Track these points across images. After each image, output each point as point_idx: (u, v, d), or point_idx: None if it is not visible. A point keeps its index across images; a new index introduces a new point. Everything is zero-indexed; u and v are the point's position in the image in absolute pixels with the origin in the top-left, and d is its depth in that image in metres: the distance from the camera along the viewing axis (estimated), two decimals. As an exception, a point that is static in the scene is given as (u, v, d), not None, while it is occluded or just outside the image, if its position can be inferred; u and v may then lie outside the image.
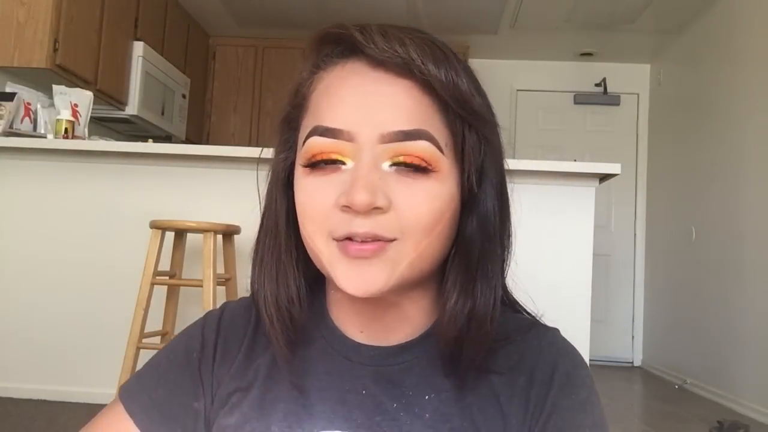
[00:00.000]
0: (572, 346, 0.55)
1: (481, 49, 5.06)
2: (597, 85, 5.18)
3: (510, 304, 0.59)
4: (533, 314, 0.59)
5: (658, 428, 2.93)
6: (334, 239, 0.48)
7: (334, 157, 0.48)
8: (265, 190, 0.56)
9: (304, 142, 0.49)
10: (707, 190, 3.92)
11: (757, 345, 3.22)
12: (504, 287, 0.57)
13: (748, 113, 3.48)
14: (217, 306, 0.62)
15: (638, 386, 4.30)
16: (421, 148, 0.47)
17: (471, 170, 0.50)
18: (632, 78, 5.18)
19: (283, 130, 0.55)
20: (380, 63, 0.48)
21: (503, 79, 5.28)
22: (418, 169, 0.47)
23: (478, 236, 0.51)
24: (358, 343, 0.55)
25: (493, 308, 0.51)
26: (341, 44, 0.51)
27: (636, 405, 3.76)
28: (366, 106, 0.47)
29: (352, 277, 0.48)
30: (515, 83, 5.30)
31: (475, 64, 5.16)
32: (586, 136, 5.22)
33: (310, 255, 0.51)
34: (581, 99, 5.22)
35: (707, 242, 3.87)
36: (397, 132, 0.47)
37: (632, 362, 4.97)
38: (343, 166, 0.48)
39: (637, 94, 5.20)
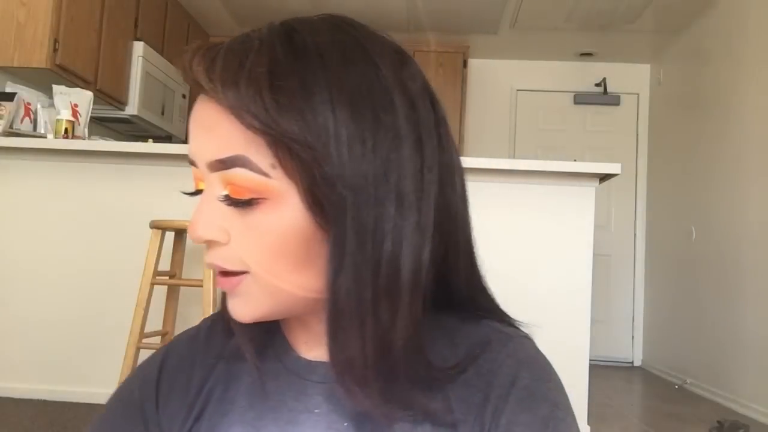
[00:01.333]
0: (539, 356, 0.49)
1: (481, 49, 5.06)
2: (597, 85, 5.18)
3: (491, 313, 0.53)
4: (517, 324, 0.53)
5: (658, 428, 2.93)
6: None
7: (198, 182, 0.48)
8: None
9: None
10: (707, 190, 3.92)
11: (757, 345, 3.22)
12: (483, 292, 0.53)
13: (748, 113, 3.48)
14: (218, 307, 0.61)
15: (638, 386, 4.30)
16: (239, 175, 0.44)
17: (302, 194, 0.44)
18: (632, 78, 5.19)
19: None
20: (199, 88, 0.46)
21: (503, 79, 5.28)
22: (241, 201, 0.44)
23: (332, 268, 0.44)
24: (310, 360, 0.53)
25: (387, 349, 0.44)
26: None
27: (636, 405, 3.76)
28: (197, 135, 0.46)
29: (229, 307, 0.48)
30: (515, 83, 5.30)
31: (475, 64, 5.17)
32: (586, 136, 5.22)
33: None
34: (581, 99, 5.22)
35: (707, 242, 3.87)
36: (216, 161, 0.45)
37: (632, 362, 4.97)
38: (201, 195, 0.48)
39: (637, 94, 5.20)
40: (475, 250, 0.52)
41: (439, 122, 0.49)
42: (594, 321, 2.58)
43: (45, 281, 2.71)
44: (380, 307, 0.44)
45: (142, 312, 2.17)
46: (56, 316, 2.69)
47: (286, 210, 0.44)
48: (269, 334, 0.55)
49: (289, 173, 0.44)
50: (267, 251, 0.45)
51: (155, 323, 2.38)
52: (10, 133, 2.79)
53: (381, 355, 0.44)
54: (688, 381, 3.91)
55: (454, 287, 0.51)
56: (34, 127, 2.99)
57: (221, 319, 0.56)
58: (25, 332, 2.69)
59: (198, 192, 0.48)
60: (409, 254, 0.44)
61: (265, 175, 0.43)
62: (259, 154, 0.43)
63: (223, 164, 0.44)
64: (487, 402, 0.47)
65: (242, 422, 0.51)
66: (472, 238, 0.52)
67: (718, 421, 2.76)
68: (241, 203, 0.44)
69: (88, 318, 2.68)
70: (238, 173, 0.44)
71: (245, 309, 0.47)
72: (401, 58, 0.48)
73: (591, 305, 2.54)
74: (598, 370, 4.40)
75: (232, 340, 0.55)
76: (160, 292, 2.39)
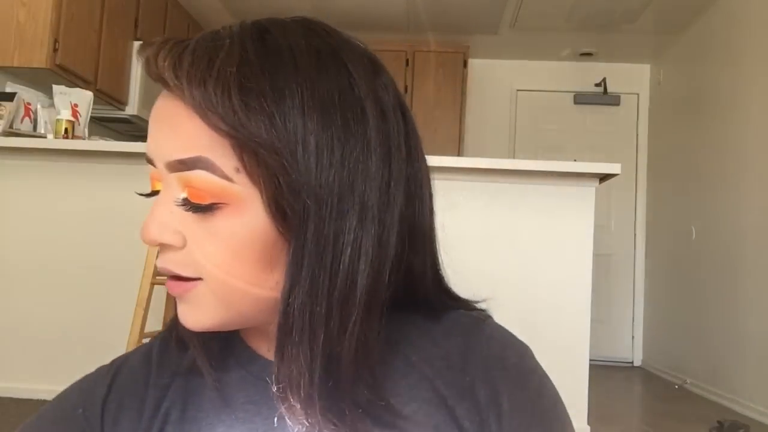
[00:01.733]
0: (510, 333, 0.51)
1: (481, 49, 5.06)
2: (597, 85, 5.19)
3: (455, 302, 0.54)
4: (478, 309, 0.54)
5: (658, 428, 2.93)
6: None
7: (155, 182, 0.46)
8: None
9: None
10: (707, 190, 3.92)
11: (757, 345, 3.22)
12: (447, 292, 0.53)
13: (748, 113, 3.48)
14: (168, 323, 0.57)
15: (638, 386, 4.30)
16: (199, 178, 0.42)
17: (265, 201, 0.42)
18: (632, 78, 5.19)
19: None
20: (164, 84, 0.43)
21: (503, 79, 5.28)
22: (200, 206, 0.42)
23: (292, 276, 0.43)
24: None
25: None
26: None
27: (636, 405, 3.76)
28: (157, 133, 0.44)
29: (179, 314, 0.46)
30: (515, 83, 5.30)
31: (475, 64, 5.17)
32: (586, 136, 5.22)
33: None
34: (581, 99, 5.22)
35: (707, 242, 3.87)
36: (175, 162, 0.42)
37: (632, 362, 4.97)
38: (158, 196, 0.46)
39: (637, 94, 5.20)
40: (440, 257, 0.52)
41: (409, 134, 0.48)
42: (594, 321, 2.58)
43: (45, 281, 2.71)
44: (332, 321, 0.42)
45: (142, 312, 2.17)
46: (56, 316, 2.69)
47: (248, 216, 0.42)
48: (227, 343, 0.52)
49: (253, 179, 0.42)
50: (225, 258, 0.43)
51: (155, 323, 2.38)
52: (10, 133, 2.79)
53: (328, 372, 0.43)
54: (688, 381, 3.91)
55: (420, 294, 0.51)
56: (34, 127, 2.99)
57: (173, 334, 0.53)
58: (25, 332, 2.70)
59: (155, 193, 0.46)
60: (367, 268, 0.43)
61: (228, 179, 0.42)
62: (224, 157, 0.42)
63: (183, 165, 0.42)
64: (478, 384, 0.47)
65: None
66: (437, 248, 0.52)
67: (718, 421, 2.76)
68: (200, 208, 0.42)
69: (88, 318, 2.68)
70: (199, 176, 0.42)
71: (196, 316, 0.45)
72: (374, 67, 0.47)
73: (591, 305, 2.54)
74: (598, 370, 4.40)
75: (187, 354, 0.52)
76: (160, 292, 2.39)
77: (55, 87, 2.94)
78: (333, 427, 0.43)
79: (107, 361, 0.56)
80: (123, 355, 0.56)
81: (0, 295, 2.72)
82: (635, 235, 5.08)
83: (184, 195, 0.43)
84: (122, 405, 0.51)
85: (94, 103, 3.13)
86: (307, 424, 0.43)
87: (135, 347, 2.19)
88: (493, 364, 0.48)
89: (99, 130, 3.91)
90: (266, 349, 0.51)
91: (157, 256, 0.47)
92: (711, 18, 4.04)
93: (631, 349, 5.00)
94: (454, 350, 0.49)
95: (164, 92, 0.44)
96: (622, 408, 3.41)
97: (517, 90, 5.31)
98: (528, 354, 0.50)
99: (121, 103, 3.83)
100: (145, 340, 2.22)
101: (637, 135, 5.17)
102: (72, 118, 2.87)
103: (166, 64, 0.42)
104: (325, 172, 0.42)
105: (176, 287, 0.45)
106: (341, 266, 0.42)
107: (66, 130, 2.81)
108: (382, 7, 4.43)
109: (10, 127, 2.85)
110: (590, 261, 2.57)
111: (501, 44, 5.00)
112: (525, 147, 5.21)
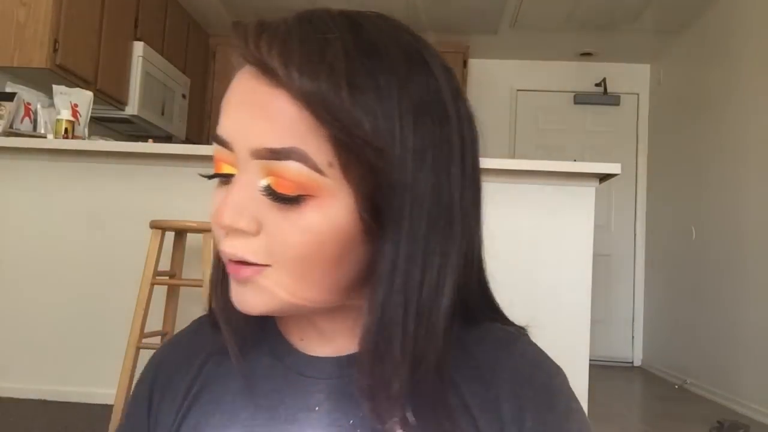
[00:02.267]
0: (543, 353, 0.51)
1: (481, 49, 5.06)
2: (597, 85, 5.18)
3: (494, 314, 0.54)
4: (516, 325, 0.54)
5: (658, 428, 2.93)
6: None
7: (222, 164, 0.45)
8: None
9: None
10: (707, 190, 3.92)
11: (757, 345, 3.22)
12: (487, 295, 0.53)
13: (748, 113, 3.48)
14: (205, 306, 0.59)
15: (638, 386, 4.30)
16: (291, 169, 0.41)
17: (359, 198, 0.42)
18: (632, 78, 5.19)
19: None
20: (264, 69, 0.42)
21: (503, 79, 5.28)
22: (286, 197, 0.42)
23: (381, 276, 0.43)
24: (310, 356, 0.51)
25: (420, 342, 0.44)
26: None
27: (636, 405, 3.77)
28: (241, 117, 0.43)
29: (235, 297, 0.45)
30: (515, 83, 5.30)
31: (475, 64, 5.17)
32: (586, 136, 5.22)
33: None
34: (581, 99, 5.22)
35: (707, 242, 3.87)
36: (265, 150, 0.41)
37: (632, 362, 4.97)
38: (233, 179, 0.45)
39: (637, 94, 5.20)
40: (486, 268, 0.52)
41: (475, 141, 0.49)
42: (594, 321, 2.58)
43: (45, 281, 2.71)
44: (422, 320, 0.43)
45: (142, 312, 2.17)
46: (56, 316, 2.69)
47: (334, 210, 0.42)
48: (262, 329, 0.53)
49: (347, 174, 0.42)
50: (303, 249, 0.42)
51: (155, 323, 2.38)
52: (10, 133, 2.79)
53: (413, 376, 0.43)
54: (688, 381, 3.91)
55: (469, 304, 0.50)
56: (34, 127, 2.99)
57: (209, 318, 0.54)
58: (25, 332, 2.69)
59: (219, 176, 0.45)
60: (453, 269, 0.44)
61: (320, 172, 0.41)
62: (318, 150, 0.41)
63: (274, 154, 0.41)
64: (502, 400, 0.47)
65: (234, 422, 0.49)
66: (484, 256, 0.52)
67: (718, 421, 2.76)
68: (285, 199, 0.42)
69: (88, 318, 2.68)
70: (290, 167, 0.41)
71: (257, 301, 0.44)
72: (449, 72, 0.47)
73: (591, 305, 2.54)
74: (598, 370, 4.40)
75: (220, 336, 0.52)
76: (160, 292, 2.39)
77: (55, 87, 2.94)
78: (415, 428, 0.44)
79: (106, 361, 0.58)
80: (161, 346, 0.58)
81: (0, 295, 2.72)
82: (635, 235, 5.08)
83: (266, 182, 0.42)
84: (165, 387, 0.53)
85: (94, 103, 3.13)
86: (383, 426, 0.44)
87: (134, 347, 2.16)
88: (521, 382, 0.47)
89: (99, 130, 3.91)
90: (298, 339, 0.52)
91: (214, 242, 0.46)
92: (711, 18, 4.04)
93: (631, 349, 5.00)
94: (485, 362, 0.49)
95: (250, 75, 0.43)
96: (622, 408, 3.41)
97: (517, 90, 5.31)
98: (559, 376, 0.49)
99: (121, 103, 3.83)
100: (145, 340, 2.22)
101: (637, 135, 5.17)
102: (72, 118, 2.87)
103: (273, 51, 0.41)
104: (419, 174, 0.42)
105: (243, 271, 0.44)
106: (432, 265, 0.43)
107: (66, 130, 2.81)
108: (382, 6, 4.40)
109: (10, 127, 2.85)
110: (590, 261, 2.57)
111: (501, 44, 5.00)
112: (525, 147, 5.20)
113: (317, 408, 0.49)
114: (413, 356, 0.43)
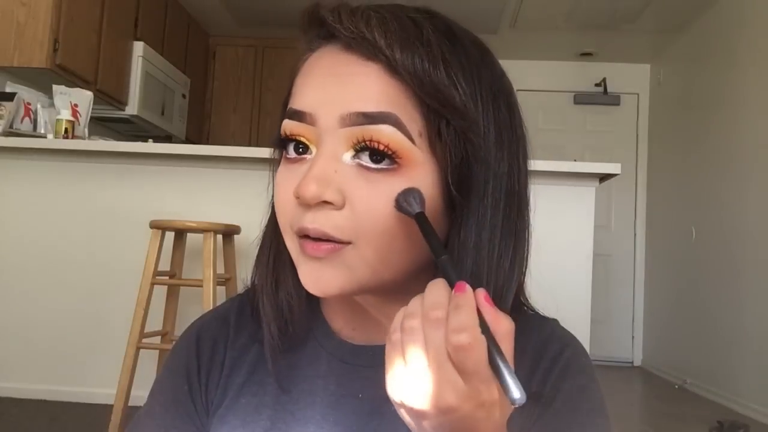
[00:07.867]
0: (573, 336, 0.54)
1: (481, 49, 5.06)
2: (597, 85, 5.18)
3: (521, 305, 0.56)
4: (537, 311, 0.57)
5: (658, 428, 2.93)
6: (296, 234, 0.45)
7: (299, 139, 0.45)
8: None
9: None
10: (707, 190, 3.92)
11: (757, 345, 3.22)
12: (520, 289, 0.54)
13: (748, 113, 3.48)
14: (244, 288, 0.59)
15: (638, 386, 4.30)
16: (385, 133, 0.42)
17: (448, 170, 0.44)
18: (632, 78, 5.18)
19: (281, 117, 0.51)
20: (350, 45, 0.44)
21: (503, 79, 5.27)
22: (381, 160, 0.42)
23: (465, 248, 0.44)
24: (355, 345, 0.52)
25: None
26: (324, 26, 0.46)
27: (636, 405, 3.76)
28: (329, 87, 0.44)
29: (310, 276, 0.45)
30: (515, 83, 5.19)
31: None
32: (586, 136, 5.22)
33: None
34: (581, 99, 5.22)
35: (707, 242, 3.87)
36: (359, 114, 0.42)
37: (632, 362, 4.97)
38: (308, 156, 0.45)
39: (637, 94, 5.20)
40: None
41: (527, 139, 0.52)
42: (594, 321, 2.58)
43: (45, 281, 2.71)
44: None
45: (142, 312, 2.17)
46: (56, 316, 2.69)
47: (420, 181, 0.43)
48: (309, 315, 0.53)
49: (435, 146, 0.43)
50: (389, 222, 0.42)
51: (155, 323, 2.38)
52: (10, 133, 2.79)
53: None
54: (688, 381, 3.91)
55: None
56: (34, 127, 2.99)
57: (249, 301, 0.55)
58: (25, 332, 2.69)
59: (288, 140, 0.46)
60: (521, 257, 0.48)
61: (412, 140, 0.42)
62: (411, 119, 0.42)
63: (368, 119, 0.42)
64: (532, 374, 0.49)
65: (275, 405, 0.50)
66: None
67: (718, 421, 2.76)
68: (377, 160, 0.42)
69: (88, 318, 2.68)
70: (384, 131, 0.42)
71: (336, 280, 0.44)
72: (502, 68, 0.51)
73: (591, 305, 2.54)
74: (598, 370, 4.39)
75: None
76: (160, 292, 2.39)
77: (55, 87, 2.94)
78: None
79: (106, 361, 0.57)
80: (198, 319, 0.58)
81: (0, 295, 2.72)
82: (635, 235, 5.08)
83: (362, 144, 0.43)
84: (209, 370, 0.54)
85: (94, 103, 3.13)
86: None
87: (135, 347, 2.16)
88: (548, 357, 0.50)
89: (99, 130, 3.91)
90: (347, 326, 0.53)
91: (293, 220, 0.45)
92: (711, 18, 4.04)
93: (631, 349, 4.99)
94: (531, 348, 0.50)
95: (337, 49, 0.45)
96: (622, 408, 3.41)
97: (517, 90, 5.23)
98: (584, 356, 0.52)
99: (121, 103, 3.83)
100: (145, 340, 2.22)
101: (637, 135, 5.17)
102: (72, 118, 2.87)
103: (372, 26, 0.43)
104: (499, 153, 0.45)
105: (323, 248, 0.43)
106: (508, 246, 0.46)
107: (66, 130, 2.81)
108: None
109: (10, 127, 2.85)
110: (590, 261, 2.57)
111: (501, 44, 4.98)
112: (525, 147, 5.20)
113: (360, 395, 0.50)
114: None
